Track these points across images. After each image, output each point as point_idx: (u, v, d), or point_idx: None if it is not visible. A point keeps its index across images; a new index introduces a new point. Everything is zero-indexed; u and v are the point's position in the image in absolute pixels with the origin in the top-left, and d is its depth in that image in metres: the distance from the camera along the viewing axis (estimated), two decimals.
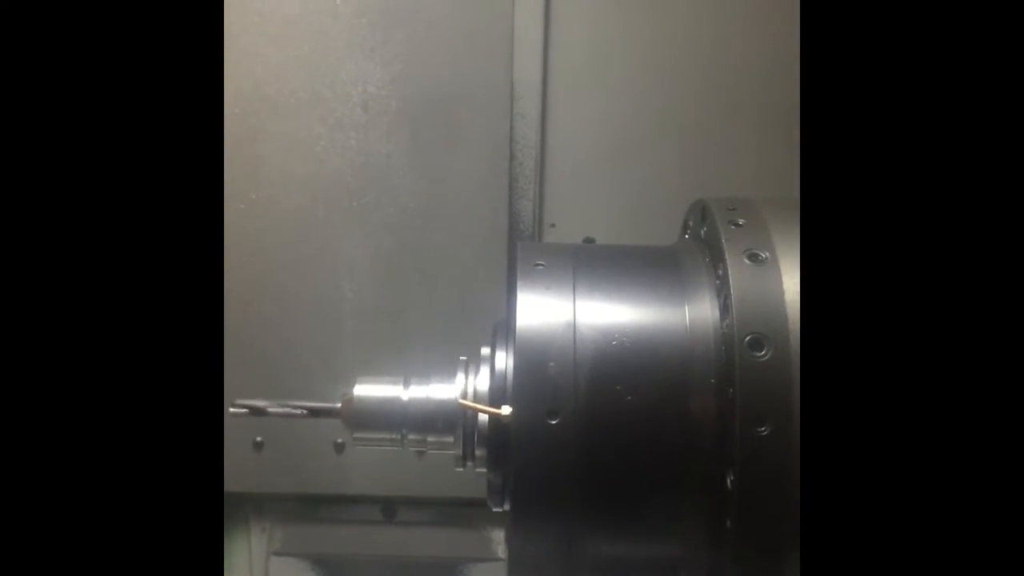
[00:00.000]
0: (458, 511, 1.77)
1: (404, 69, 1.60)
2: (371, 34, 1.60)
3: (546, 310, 0.77)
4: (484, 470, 0.82)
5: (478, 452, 0.83)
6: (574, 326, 0.75)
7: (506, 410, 0.75)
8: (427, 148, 1.62)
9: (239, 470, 1.70)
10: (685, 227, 0.91)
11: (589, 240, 1.68)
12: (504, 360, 0.81)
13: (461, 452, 0.85)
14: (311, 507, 1.80)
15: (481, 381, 0.84)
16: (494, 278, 1.63)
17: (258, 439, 1.72)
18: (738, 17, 1.62)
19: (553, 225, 1.69)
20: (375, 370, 1.64)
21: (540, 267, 0.81)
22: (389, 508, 1.79)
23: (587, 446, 0.73)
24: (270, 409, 0.93)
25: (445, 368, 0.87)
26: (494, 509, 0.85)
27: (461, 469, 0.86)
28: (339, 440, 1.71)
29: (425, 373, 0.87)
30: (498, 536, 1.78)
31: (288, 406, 0.93)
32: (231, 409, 0.90)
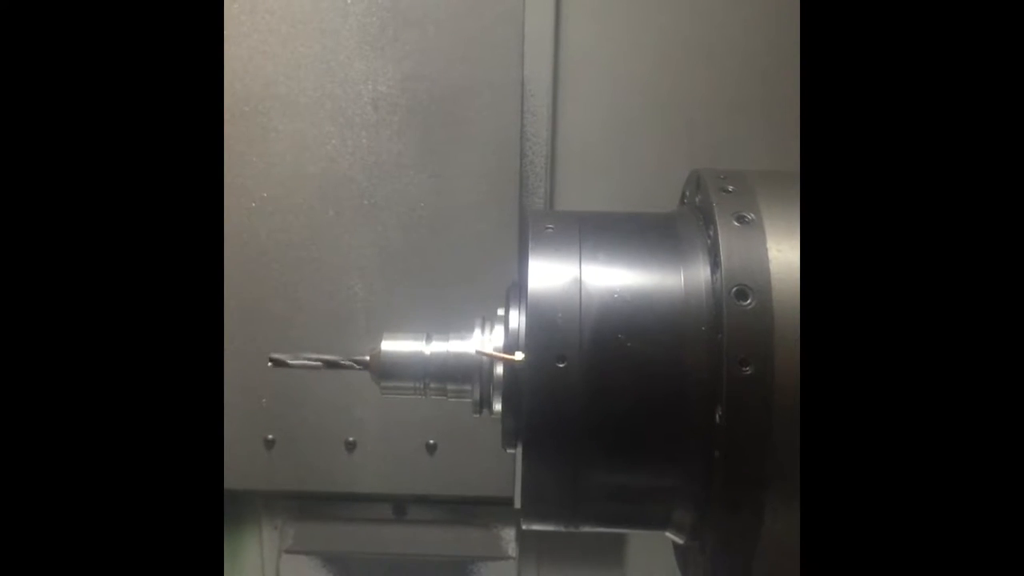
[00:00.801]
0: (468, 509, 1.78)
1: (414, 67, 1.60)
2: (381, 33, 1.60)
3: (555, 269, 0.85)
4: (499, 413, 0.91)
5: (494, 399, 0.91)
6: (580, 282, 0.83)
7: (519, 356, 0.84)
8: (437, 146, 1.62)
9: (250, 468, 1.71)
10: (682, 197, 1.00)
11: None
12: (517, 318, 0.89)
13: (478, 399, 0.93)
14: (322, 505, 1.80)
15: (496, 337, 0.92)
16: (504, 274, 1.63)
17: (269, 437, 1.72)
18: (748, 13, 1.61)
19: None
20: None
21: (549, 230, 0.89)
22: (399, 506, 1.79)
23: (591, 387, 0.81)
24: (293, 362, 1.01)
25: (464, 325, 0.96)
26: (508, 451, 0.92)
27: (478, 415, 0.94)
28: (350, 438, 1.71)
29: (444, 331, 0.97)
30: (508, 534, 1.78)
31: (318, 359, 1.01)
32: (268, 364, 0.99)
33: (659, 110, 1.63)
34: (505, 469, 1.71)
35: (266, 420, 1.72)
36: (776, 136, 1.62)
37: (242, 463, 1.70)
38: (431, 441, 1.71)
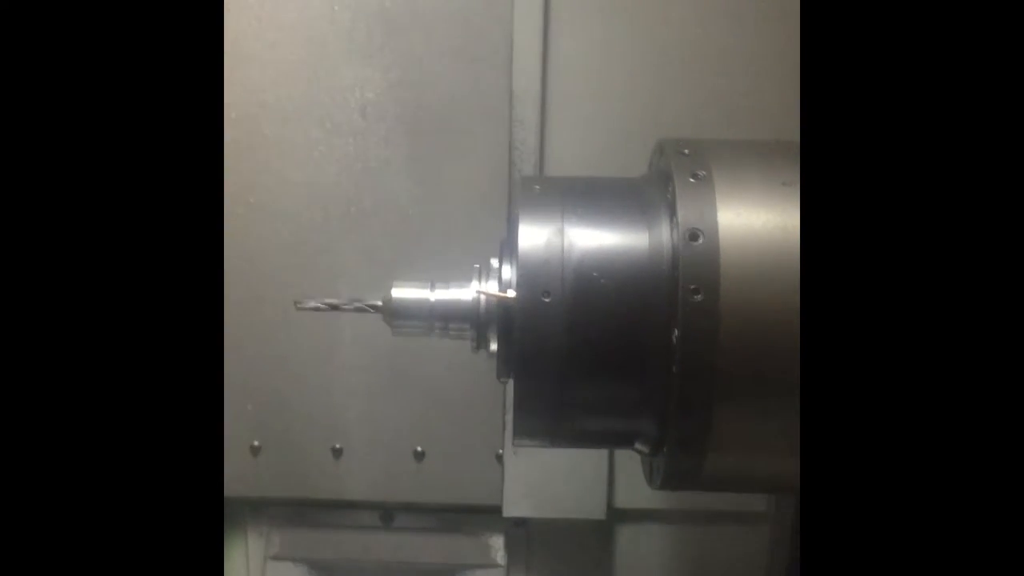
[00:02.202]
0: (456, 517, 1.77)
1: (402, 75, 1.60)
2: (369, 40, 1.59)
3: (542, 221, 1.00)
4: (494, 348, 1.06)
5: (489, 338, 1.06)
6: (563, 232, 0.99)
7: (511, 293, 1.01)
8: (425, 154, 1.62)
9: (237, 475, 1.70)
10: (650, 164, 1.17)
11: None
12: (509, 270, 1.05)
13: (475, 335, 1.08)
14: (309, 512, 1.80)
15: (491, 284, 1.08)
16: None
17: (255, 443, 1.72)
18: (738, 24, 1.61)
19: None
20: (372, 375, 1.64)
21: (536, 188, 1.06)
22: (387, 514, 1.79)
23: (572, 317, 0.96)
24: (306, 305, 1.18)
25: (462, 274, 1.11)
26: (501, 380, 1.07)
27: (475, 351, 1.09)
28: (337, 446, 1.71)
29: (445, 279, 1.12)
30: (496, 542, 1.78)
31: (332, 303, 1.17)
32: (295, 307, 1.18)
33: (649, 120, 1.63)
34: (493, 477, 1.71)
35: (252, 426, 1.71)
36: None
37: (228, 469, 1.68)
38: (419, 448, 1.71)
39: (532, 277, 0.97)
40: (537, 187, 1.07)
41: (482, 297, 1.06)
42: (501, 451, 1.70)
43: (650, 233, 0.98)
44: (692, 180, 0.98)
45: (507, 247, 1.08)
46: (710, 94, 1.63)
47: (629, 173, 1.73)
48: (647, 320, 0.95)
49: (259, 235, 1.64)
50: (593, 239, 0.99)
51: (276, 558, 1.79)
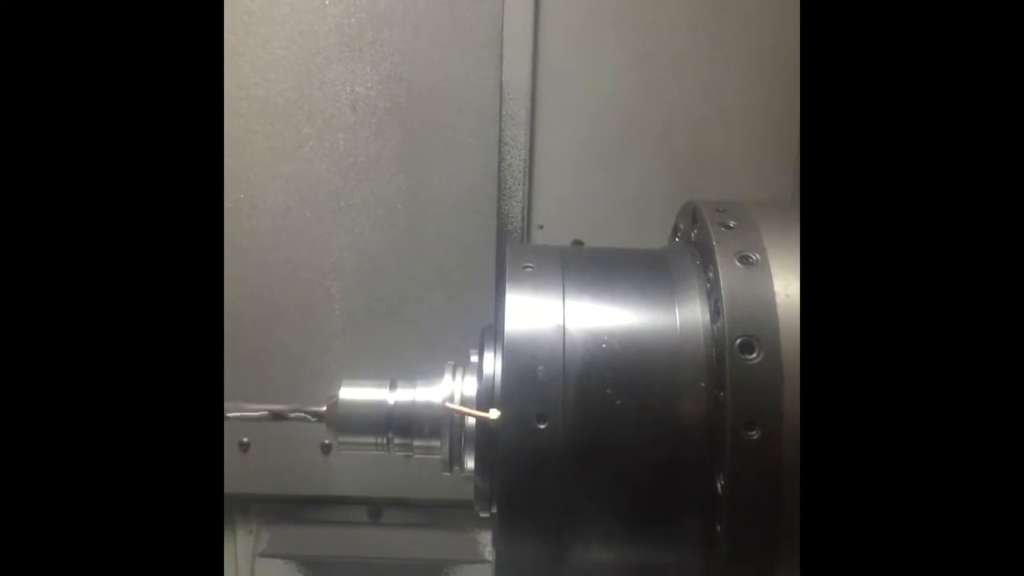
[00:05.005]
0: (444, 513, 1.77)
1: (393, 70, 1.60)
2: (360, 34, 1.59)
3: (535, 313, 0.75)
4: (471, 475, 0.82)
5: (465, 457, 0.82)
6: (563, 329, 0.74)
7: (494, 414, 0.74)
8: (415, 149, 1.62)
9: (225, 471, 1.69)
10: (675, 231, 0.90)
11: (577, 243, 1.68)
12: (492, 363, 0.79)
13: (448, 457, 0.84)
14: (297, 508, 1.79)
15: (469, 385, 0.83)
16: (482, 278, 1.63)
17: (244, 440, 1.71)
18: (728, 18, 1.62)
19: (541, 227, 1.69)
20: (364, 369, 1.64)
21: (529, 269, 0.80)
22: (375, 510, 1.78)
23: (576, 451, 0.72)
24: (235, 415, 0.93)
25: (432, 370, 0.86)
26: (481, 515, 0.84)
27: (448, 474, 0.85)
28: (326, 442, 1.70)
29: (412, 375, 0.87)
30: (484, 538, 1.77)
31: (270, 410, 0.93)
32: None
33: (638, 115, 1.63)
34: None
35: (240, 423, 1.70)
36: (757, 143, 1.64)
37: None
38: None
39: (523, 395, 0.72)
40: (529, 265, 0.80)
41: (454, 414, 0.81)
42: None
43: (682, 333, 0.73)
44: (740, 265, 0.72)
45: (492, 333, 0.83)
46: (702, 90, 1.64)
47: (618, 170, 1.74)
48: (680, 460, 0.71)
49: (248, 230, 1.64)
50: (604, 341, 0.73)
51: (264, 555, 1.79)
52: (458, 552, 1.77)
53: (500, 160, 1.63)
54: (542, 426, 0.71)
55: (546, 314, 0.75)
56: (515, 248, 0.86)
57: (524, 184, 1.67)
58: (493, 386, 0.78)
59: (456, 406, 0.80)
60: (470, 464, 0.82)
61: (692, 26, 1.62)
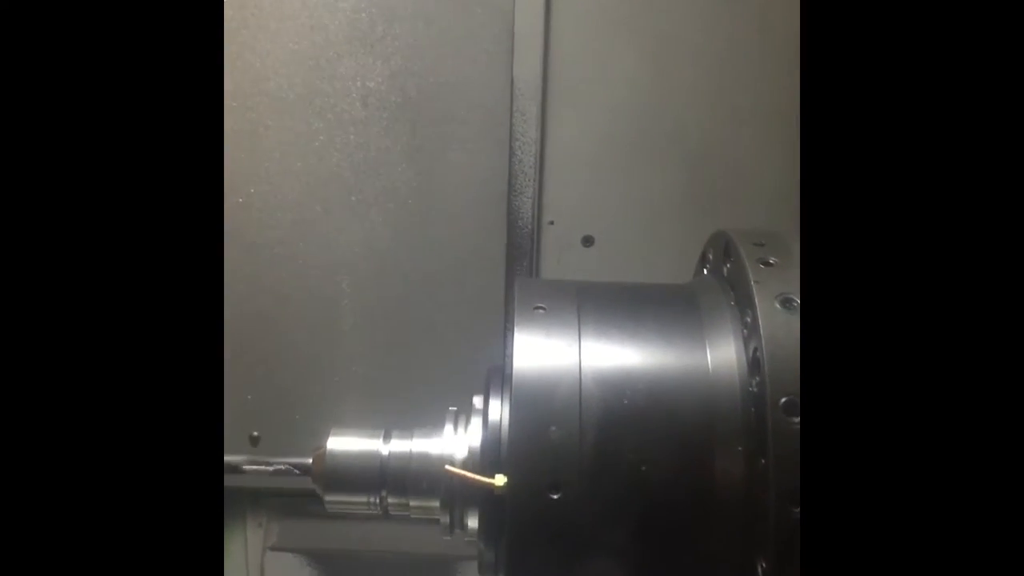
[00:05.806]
0: None
1: (404, 64, 1.60)
2: (371, 29, 1.59)
3: (547, 363, 0.66)
4: (474, 533, 0.73)
5: (468, 519, 0.74)
6: (579, 381, 0.64)
7: (500, 480, 0.65)
8: (426, 144, 1.62)
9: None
10: (703, 260, 0.79)
11: (588, 239, 1.68)
12: (499, 411, 0.70)
13: (448, 520, 0.75)
14: (307, 502, 1.79)
15: (472, 435, 0.73)
16: (492, 274, 1.63)
17: (254, 434, 1.71)
18: (739, 14, 1.61)
19: (551, 222, 1.69)
20: (373, 365, 1.64)
21: (540, 311, 0.70)
22: None
23: (594, 526, 0.63)
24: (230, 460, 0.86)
25: (431, 417, 0.76)
26: None
27: (448, 538, 0.76)
28: None
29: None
30: None
31: (259, 462, 0.86)
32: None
33: (649, 111, 1.63)
34: None
35: (251, 417, 1.71)
36: (769, 137, 1.63)
37: (228, 459, 1.69)
38: None
39: (533, 460, 0.63)
40: (542, 308, 0.70)
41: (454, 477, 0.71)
42: None
43: (715, 389, 0.63)
44: (783, 309, 0.62)
45: (499, 377, 0.72)
46: (714, 87, 1.63)
47: (629, 166, 1.73)
48: (713, 538, 0.62)
49: (260, 225, 1.64)
50: (627, 398, 0.63)
51: (274, 548, 1.79)
52: (466, 546, 1.77)
53: (511, 156, 1.63)
54: (555, 496, 0.62)
55: (560, 365, 0.66)
56: (525, 285, 0.76)
57: (535, 180, 1.67)
58: (500, 440, 0.69)
59: (457, 470, 0.71)
60: (473, 523, 0.74)
61: (705, 23, 1.61)
